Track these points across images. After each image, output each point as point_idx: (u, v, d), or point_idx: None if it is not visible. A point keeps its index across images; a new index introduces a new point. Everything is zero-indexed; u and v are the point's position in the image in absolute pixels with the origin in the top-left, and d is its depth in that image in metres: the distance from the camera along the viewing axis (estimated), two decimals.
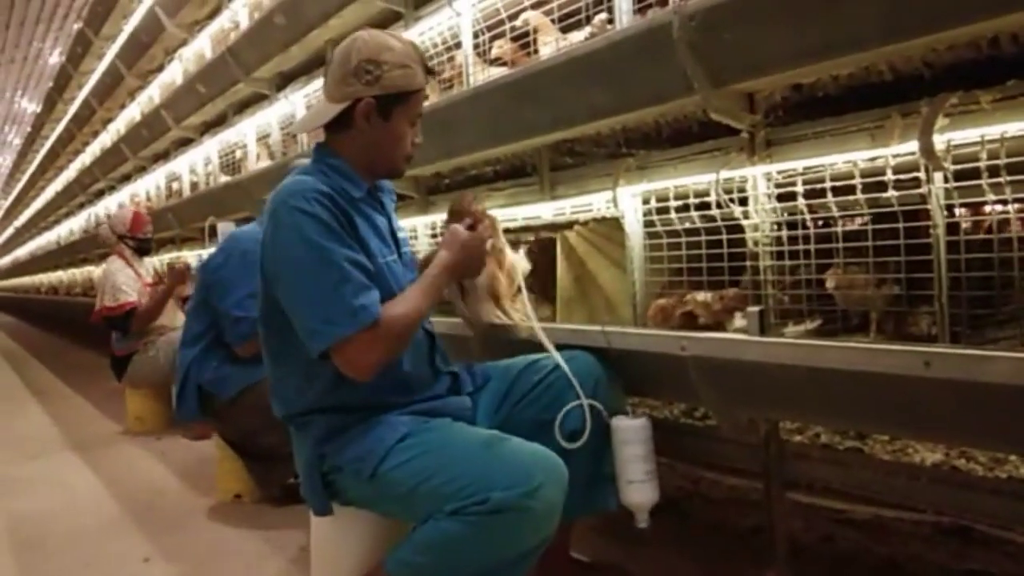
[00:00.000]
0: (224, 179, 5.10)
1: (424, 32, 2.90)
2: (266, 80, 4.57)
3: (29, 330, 14.11)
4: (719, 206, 1.82)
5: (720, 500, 2.56)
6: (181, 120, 6.00)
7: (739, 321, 1.85)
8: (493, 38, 2.56)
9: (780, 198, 1.76)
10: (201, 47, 5.67)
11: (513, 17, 2.46)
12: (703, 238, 1.90)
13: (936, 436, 1.98)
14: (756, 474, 2.01)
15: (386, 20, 3.31)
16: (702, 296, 1.92)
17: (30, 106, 21.73)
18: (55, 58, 16.55)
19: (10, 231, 21.68)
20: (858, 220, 1.75)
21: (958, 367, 1.31)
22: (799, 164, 1.71)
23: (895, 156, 1.54)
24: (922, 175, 1.51)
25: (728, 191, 1.81)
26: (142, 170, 7.79)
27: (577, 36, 2.29)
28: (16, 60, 18.36)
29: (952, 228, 1.52)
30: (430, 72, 1.78)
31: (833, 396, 1.60)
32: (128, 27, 7.13)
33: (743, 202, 1.80)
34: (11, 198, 22.37)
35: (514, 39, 2.48)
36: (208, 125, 5.91)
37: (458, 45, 2.68)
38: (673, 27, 1.65)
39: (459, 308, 2.20)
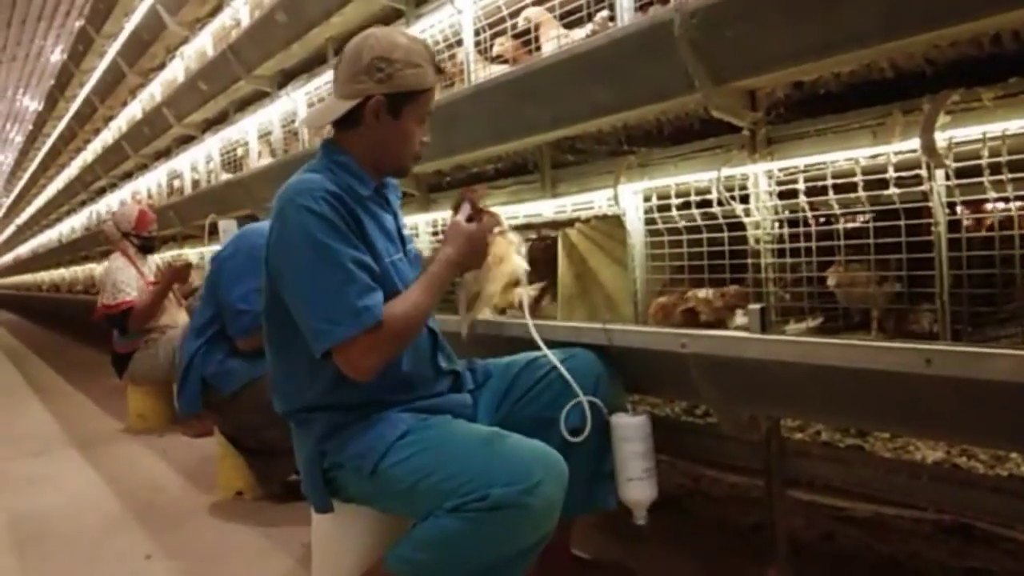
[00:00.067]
0: (226, 177, 5.10)
1: (425, 30, 2.90)
2: (267, 78, 4.57)
3: (31, 327, 14.12)
4: (720, 204, 1.82)
5: (721, 498, 2.56)
6: (183, 118, 5.99)
7: (740, 318, 1.85)
8: (494, 35, 2.56)
9: (781, 196, 1.76)
10: (202, 45, 5.67)
11: (514, 14, 2.46)
12: (704, 236, 1.90)
13: (937, 434, 1.98)
14: (757, 472, 2.01)
15: (387, 17, 3.31)
16: (703, 293, 1.92)
17: (32, 104, 21.76)
18: (57, 56, 16.57)
19: (12, 228, 21.70)
20: (859, 218, 1.75)
21: (959, 365, 1.31)
22: (800, 162, 1.71)
23: (897, 153, 1.54)
24: (924, 172, 1.51)
25: (729, 189, 1.81)
26: (144, 168, 7.79)
27: (579, 33, 2.28)
28: (18, 58, 18.37)
29: (954, 226, 1.51)
30: (440, 71, 1.78)
31: (834, 394, 1.60)
32: (129, 25, 7.12)
33: (744, 200, 1.80)
34: (13, 196, 22.38)
35: (516, 36, 2.48)
36: (210, 123, 5.90)
37: (459, 43, 2.67)
38: (674, 25, 1.65)
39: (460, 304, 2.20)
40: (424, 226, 3.07)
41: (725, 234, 1.85)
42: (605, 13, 2.19)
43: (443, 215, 2.94)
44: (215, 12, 5.43)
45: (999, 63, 1.47)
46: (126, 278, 4.35)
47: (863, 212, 1.67)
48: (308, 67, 4.16)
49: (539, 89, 2.16)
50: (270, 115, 4.55)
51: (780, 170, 1.75)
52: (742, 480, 2.37)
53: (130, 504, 3.04)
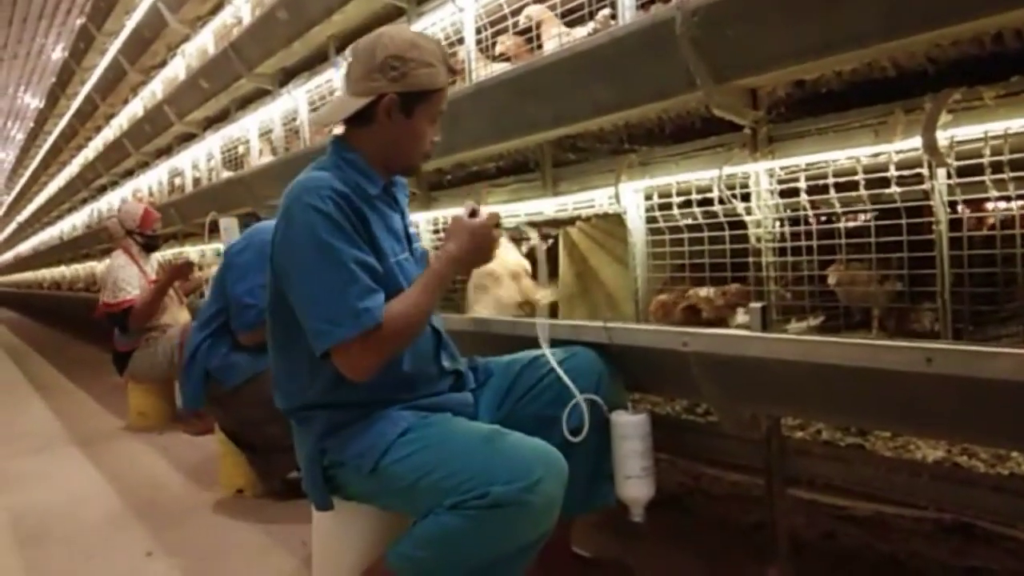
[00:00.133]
0: (226, 174, 5.10)
1: (427, 27, 2.90)
2: (268, 76, 4.57)
3: (32, 325, 14.13)
4: (722, 202, 1.82)
5: (722, 496, 2.56)
6: (184, 115, 5.99)
7: (741, 317, 1.85)
8: (496, 34, 2.56)
9: (783, 194, 1.76)
10: (204, 42, 5.67)
11: (516, 12, 2.46)
12: (705, 234, 1.90)
13: (938, 433, 1.98)
14: (758, 470, 2.01)
15: (389, 15, 3.31)
16: (705, 292, 1.92)
17: (33, 101, 21.75)
18: (58, 54, 16.56)
19: (13, 226, 21.70)
20: (861, 216, 1.75)
21: (960, 363, 1.30)
22: (802, 160, 1.71)
23: (898, 152, 1.54)
24: (925, 171, 1.51)
25: (731, 187, 1.81)
26: (144, 165, 7.79)
27: (580, 32, 2.28)
28: (19, 56, 18.36)
29: (955, 224, 1.51)
30: (453, 71, 1.77)
31: (835, 392, 1.60)
32: (131, 23, 7.12)
33: (746, 198, 1.80)
34: (14, 193, 22.38)
35: (519, 33, 2.48)
36: (211, 120, 5.90)
37: (460, 40, 2.67)
38: (676, 23, 1.65)
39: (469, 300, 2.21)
40: (425, 224, 3.07)
41: (726, 233, 1.85)
42: (607, 11, 2.19)
43: (444, 213, 2.94)
44: (216, 10, 5.44)
45: (1001, 62, 1.47)
46: (127, 276, 4.34)
47: (864, 211, 1.67)
48: (309, 65, 4.16)
49: (540, 87, 2.16)
50: (271, 113, 4.55)
51: (781, 169, 1.76)
52: (743, 479, 2.37)
53: (131, 501, 3.04)
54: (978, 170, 1.43)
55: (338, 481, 1.72)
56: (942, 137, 1.45)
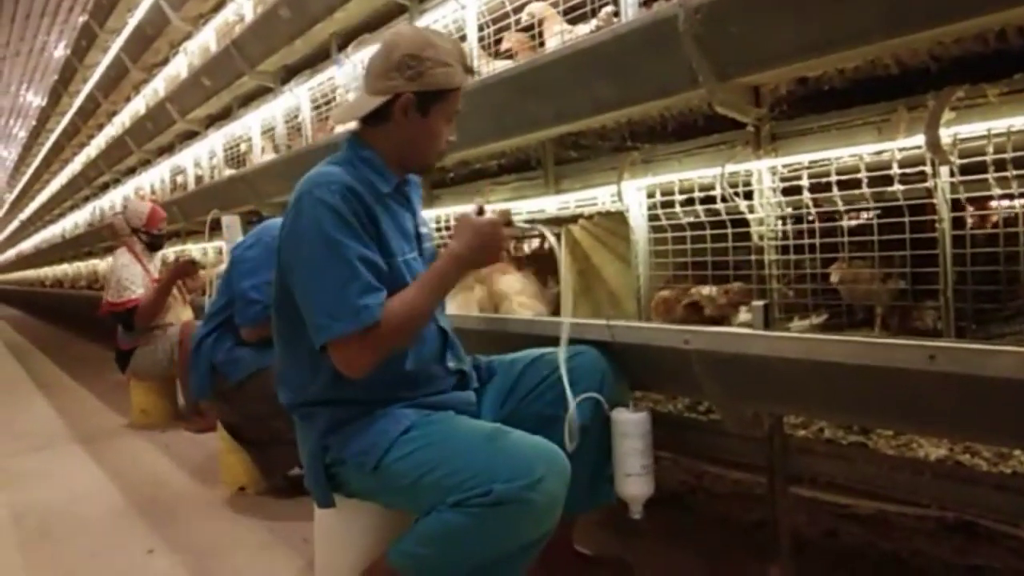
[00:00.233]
0: (229, 172, 5.10)
1: (429, 25, 2.89)
2: (271, 73, 4.56)
3: (34, 323, 14.14)
4: (724, 200, 1.82)
5: (724, 494, 2.56)
6: (186, 113, 6.00)
7: (743, 315, 1.85)
8: (498, 31, 2.56)
9: (785, 192, 1.76)
10: (206, 40, 5.67)
11: (518, 10, 2.46)
12: (708, 232, 1.89)
13: (940, 431, 1.98)
14: (760, 468, 2.01)
15: (391, 13, 3.31)
16: (707, 290, 1.92)
17: (35, 99, 21.76)
18: (60, 51, 16.57)
19: (15, 224, 21.72)
20: (863, 214, 1.74)
21: (963, 361, 1.30)
22: (805, 158, 1.71)
23: (901, 150, 1.54)
24: (928, 169, 1.50)
25: (733, 185, 1.81)
26: (147, 163, 7.79)
27: (583, 29, 2.28)
28: (21, 53, 18.37)
29: (958, 223, 1.51)
30: (470, 71, 1.77)
31: (837, 390, 1.59)
32: (133, 20, 7.12)
33: (748, 196, 1.80)
34: (16, 191, 22.40)
35: (521, 31, 2.47)
36: (213, 118, 5.91)
37: (463, 38, 2.67)
38: (679, 20, 1.65)
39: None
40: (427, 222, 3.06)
41: (729, 230, 1.85)
42: (610, 8, 2.19)
43: (446, 211, 2.94)
44: (218, 7, 5.44)
45: (1004, 59, 1.47)
46: (131, 275, 4.34)
47: (867, 209, 1.67)
48: (311, 63, 4.16)
49: (542, 85, 2.16)
50: (273, 111, 4.55)
51: (784, 166, 1.75)
52: (745, 477, 2.37)
53: (133, 499, 3.05)
54: (981, 168, 1.43)
55: (340, 478, 1.72)
56: (945, 135, 1.45)
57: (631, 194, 2.08)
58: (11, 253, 21.97)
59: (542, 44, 2.41)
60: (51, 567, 2.46)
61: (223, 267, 3.39)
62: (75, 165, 11.73)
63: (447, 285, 1.72)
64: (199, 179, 5.97)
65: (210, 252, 5.57)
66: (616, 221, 2.27)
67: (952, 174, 1.48)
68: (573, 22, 2.35)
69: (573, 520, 1.95)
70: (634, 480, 1.84)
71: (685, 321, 1.90)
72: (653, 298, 2.05)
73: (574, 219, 2.40)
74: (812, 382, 1.62)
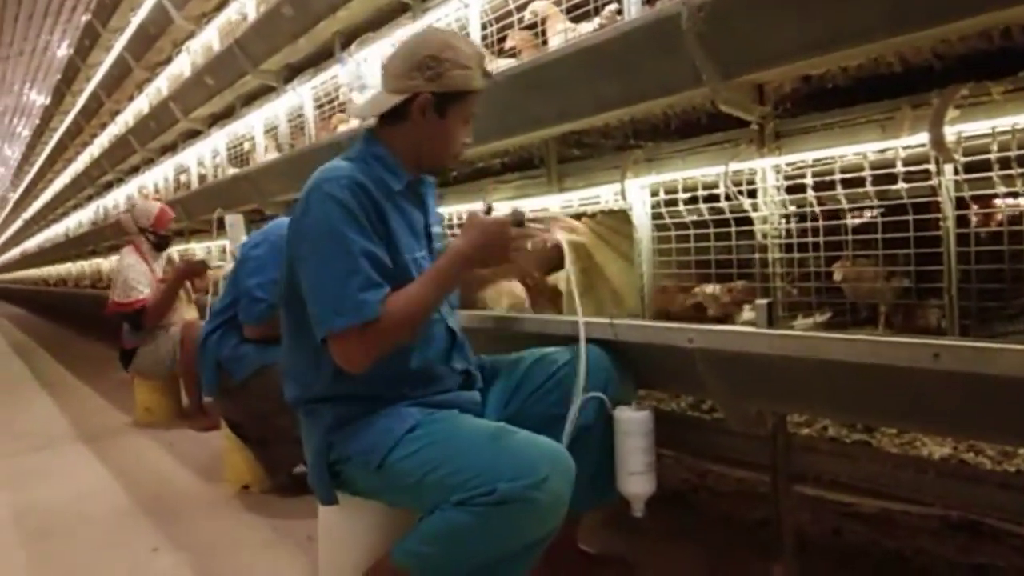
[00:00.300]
0: (232, 171, 5.11)
1: (432, 24, 2.89)
2: (274, 72, 4.57)
3: (38, 322, 14.17)
4: (728, 198, 1.81)
5: (727, 493, 2.56)
6: (189, 112, 6.00)
7: (747, 314, 1.84)
8: (501, 29, 2.56)
9: (789, 190, 1.75)
10: (209, 39, 5.68)
11: (521, 8, 2.46)
12: (711, 230, 1.89)
13: (944, 429, 1.98)
14: (763, 467, 2.00)
15: (394, 12, 3.31)
16: (710, 288, 1.92)
17: (39, 98, 21.76)
18: (63, 51, 16.57)
19: (19, 223, 21.75)
20: (867, 213, 1.74)
21: (967, 360, 1.30)
22: (808, 156, 1.70)
23: (905, 148, 1.53)
24: (932, 167, 1.50)
25: (737, 183, 1.81)
26: (150, 162, 7.80)
27: (586, 27, 2.28)
28: (25, 53, 18.38)
29: (962, 221, 1.51)
30: (488, 76, 1.78)
31: (841, 389, 1.59)
32: (136, 19, 7.13)
33: (752, 194, 1.80)
34: (20, 190, 22.44)
35: (527, 28, 2.47)
36: (216, 117, 5.91)
37: (466, 36, 2.67)
38: (682, 18, 1.64)
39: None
40: None
41: (732, 229, 1.85)
42: (613, 6, 2.18)
43: (450, 210, 2.93)
44: (221, 6, 5.44)
45: (1009, 57, 1.46)
46: (138, 275, 4.35)
47: (871, 207, 1.66)
48: (314, 61, 4.16)
49: (546, 83, 2.16)
50: (276, 110, 4.55)
51: (788, 165, 1.75)
52: (748, 475, 2.36)
53: (137, 497, 3.05)
54: (985, 166, 1.42)
55: (344, 476, 1.72)
56: (949, 133, 1.45)
57: (634, 192, 2.08)
58: (15, 252, 22.00)
59: (545, 42, 2.40)
60: (55, 566, 2.47)
61: (228, 267, 3.40)
62: (79, 164, 11.75)
63: (449, 282, 1.72)
64: (202, 178, 5.98)
65: (214, 251, 5.57)
66: (619, 219, 2.27)
67: (956, 172, 1.47)
68: (576, 20, 2.35)
69: (577, 519, 1.95)
70: (637, 478, 1.84)
71: (690, 320, 1.90)
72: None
73: (577, 217, 2.40)
74: (816, 381, 1.62)
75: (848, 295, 1.73)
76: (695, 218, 1.92)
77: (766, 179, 1.78)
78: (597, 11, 2.27)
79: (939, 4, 1.34)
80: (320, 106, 4.02)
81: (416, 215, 1.81)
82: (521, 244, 1.80)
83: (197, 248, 6.23)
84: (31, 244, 17.93)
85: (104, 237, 8.83)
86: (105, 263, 9.29)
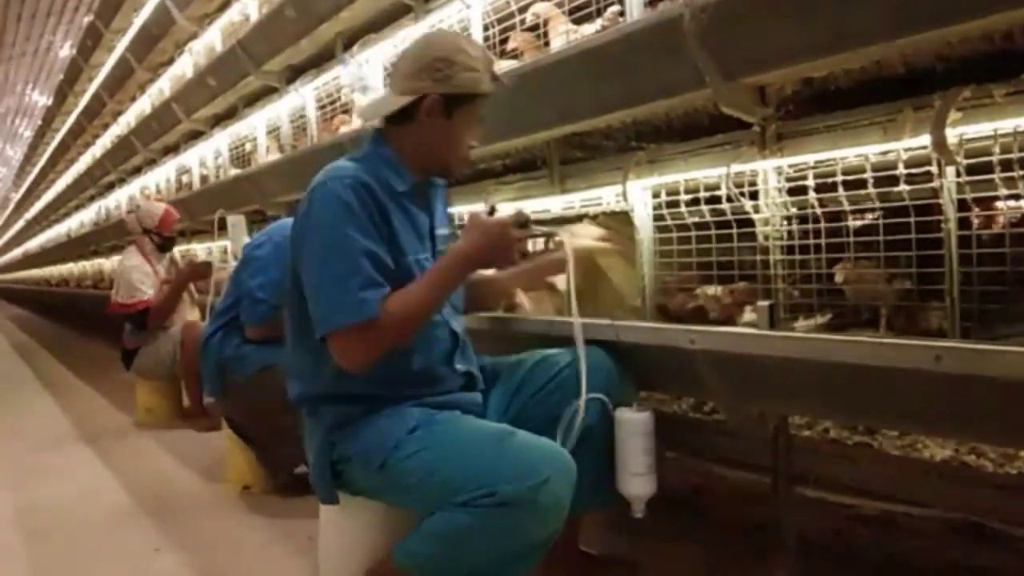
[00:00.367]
0: (234, 172, 5.12)
1: (434, 25, 2.90)
2: (276, 73, 4.57)
3: (39, 322, 14.18)
4: (730, 200, 1.81)
5: (728, 495, 2.56)
6: (191, 113, 6.01)
7: (749, 315, 1.84)
8: (504, 31, 2.56)
9: (791, 192, 1.75)
10: (211, 40, 5.68)
11: (523, 9, 2.46)
12: (713, 232, 1.89)
13: (946, 431, 1.98)
14: (765, 469, 2.00)
15: (397, 13, 3.31)
16: (712, 290, 1.92)
17: (41, 99, 21.78)
18: (65, 51, 16.59)
19: (21, 223, 21.77)
20: (869, 214, 1.74)
21: (969, 362, 1.30)
22: (810, 158, 1.71)
23: (907, 150, 1.53)
24: (934, 169, 1.50)
25: (739, 185, 1.81)
26: (152, 163, 7.81)
27: (588, 29, 2.28)
28: (27, 53, 18.40)
29: (964, 223, 1.51)
30: (497, 80, 1.78)
31: (843, 391, 1.59)
32: (138, 20, 7.15)
33: (754, 196, 1.80)
34: (22, 190, 22.46)
35: (529, 30, 2.48)
36: (218, 118, 5.92)
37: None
38: (684, 20, 1.64)
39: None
40: None
41: (734, 231, 1.85)
42: (615, 8, 2.19)
43: (450, 211, 2.93)
44: (224, 7, 5.45)
45: (1011, 59, 1.46)
46: (141, 276, 4.36)
47: (873, 209, 1.67)
48: (317, 62, 4.16)
49: (548, 85, 2.16)
50: (279, 111, 4.55)
51: (790, 166, 1.75)
52: (750, 477, 2.36)
53: (138, 497, 3.06)
54: (987, 168, 1.42)
55: (346, 476, 1.72)
56: (951, 135, 1.45)
57: (636, 194, 2.08)
58: (17, 252, 22.02)
59: (547, 44, 2.41)
60: (57, 565, 2.47)
61: (230, 269, 3.40)
62: (81, 165, 11.77)
63: (449, 283, 1.72)
64: (204, 179, 5.99)
65: (215, 252, 5.58)
66: (621, 221, 2.27)
67: (958, 174, 1.47)
68: (578, 22, 2.35)
69: (579, 520, 1.95)
70: (637, 479, 1.84)
71: (691, 321, 1.90)
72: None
73: (579, 219, 2.40)
74: (817, 382, 1.61)
75: (849, 297, 1.73)
76: (697, 220, 1.92)
77: (768, 181, 1.78)
78: (599, 13, 2.27)
79: (941, 7, 1.34)
80: (322, 107, 4.03)
81: (421, 217, 1.81)
82: (523, 246, 1.80)
83: (198, 249, 6.24)
84: (33, 244, 17.95)
85: (106, 237, 8.85)
86: (107, 263, 9.31)
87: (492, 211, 1.78)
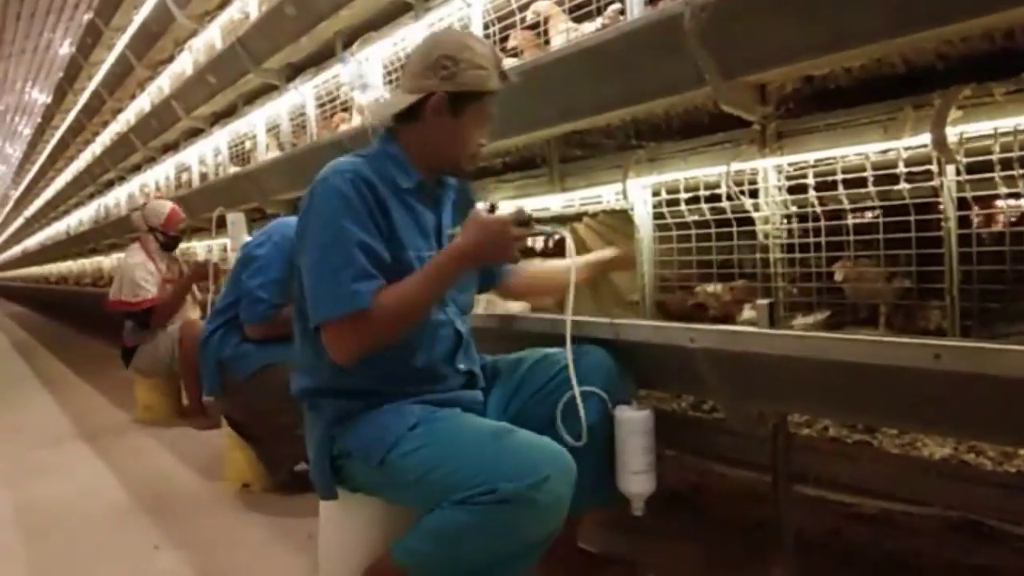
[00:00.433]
0: (234, 170, 5.11)
1: (434, 23, 2.90)
2: (276, 71, 4.57)
3: (39, 319, 14.17)
4: (729, 198, 1.82)
5: (727, 493, 2.56)
6: (191, 111, 6.01)
7: (748, 313, 1.84)
8: (504, 29, 2.56)
9: (791, 190, 1.75)
10: (211, 38, 5.68)
11: (523, 8, 2.46)
12: (713, 230, 1.89)
13: (945, 430, 1.98)
14: (764, 467, 2.00)
15: (396, 11, 3.31)
16: (712, 288, 1.92)
17: (40, 97, 21.77)
18: (65, 49, 16.57)
19: (20, 221, 21.77)
20: (869, 213, 1.74)
21: (968, 360, 1.30)
22: (810, 156, 1.71)
23: (907, 149, 1.53)
24: (934, 168, 1.50)
25: (739, 183, 1.81)
26: (152, 160, 7.81)
27: (588, 27, 2.28)
28: (27, 51, 18.39)
29: (964, 221, 1.51)
30: (504, 78, 1.78)
31: (842, 389, 1.59)
32: (138, 17, 7.15)
33: (754, 194, 1.80)
34: (21, 188, 22.46)
35: (529, 28, 2.48)
36: (218, 116, 5.92)
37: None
38: (684, 18, 1.64)
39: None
40: None
41: (734, 229, 1.85)
42: (616, 6, 2.19)
43: None
44: (224, 5, 5.45)
45: (1011, 58, 1.46)
46: (145, 274, 4.35)
47: (873, 207, 1.67)
48: (316, 60, 4.16)
49: (548, 83, 2.16)
50: (278, 108, 4.55)
51: (790, 165, 1.75)
52: (749, 475, 2.36)
53: (138, 495, 3.05)
54: (987, 167, 1.42)
55: (346, 472, 1.73)
56: (951, 133, 1.45)
57: (636, 192, 2.08)
58: (16, 250, 22.02)
59: (548, 42, 2.41)
60: (56, 563, 2.47)
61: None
62: (80, 162, 11.77)
63: (445, 279, 1.70)
64: (204, 176, 5.98)
65: (215, 249, 5.58)
66: (621, 219, 2.27)
67: (958, 173, 1.47)
68: (578, 20, 2.35)
69: (578, 518, 1.95)
70: (637, 478, 1.84)
71: (691, 320, 1.90)
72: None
73: (579, 217, 2.40)
74: (817, 380, 1.62)
75: (849, 295, 1.73)
76: (697, 218, 1.92)
77: (768, 179, 1.78)
78: (599, 11, 2.27)
79: (942, 6, 1.34)
80: (322, 105, 4.03)
81: (428, 215, 1.81)
82: (523, 244, 1.80)
83: (198, 246, 6.24)
84: (32, 242, 17.94)
85: (105, 235, 8.85)
86: (106, 261, 9.31)
87: (492, 208, 1.78)
